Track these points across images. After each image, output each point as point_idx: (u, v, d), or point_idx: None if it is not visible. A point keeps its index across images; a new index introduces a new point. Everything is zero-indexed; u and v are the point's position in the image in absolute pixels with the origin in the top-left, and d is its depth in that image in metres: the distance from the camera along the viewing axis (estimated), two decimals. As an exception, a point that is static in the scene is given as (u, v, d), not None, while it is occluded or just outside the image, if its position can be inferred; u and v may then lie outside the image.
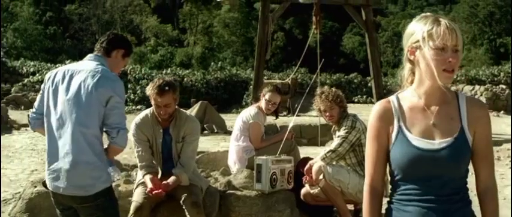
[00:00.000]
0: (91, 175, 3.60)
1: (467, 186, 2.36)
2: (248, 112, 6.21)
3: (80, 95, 3.59)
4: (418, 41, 2.28)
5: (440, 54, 2.21)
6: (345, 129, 5.36)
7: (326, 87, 5.66)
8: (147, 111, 4.89)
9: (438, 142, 2.27)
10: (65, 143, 3.59)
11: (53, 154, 3.66)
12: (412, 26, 2.34)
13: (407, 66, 2.40)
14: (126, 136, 3.68)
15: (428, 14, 2.33)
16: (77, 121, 3.56)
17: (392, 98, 2.40)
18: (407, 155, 2.28)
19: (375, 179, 2.41)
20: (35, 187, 5.29)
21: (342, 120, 5.47)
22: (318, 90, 5.60)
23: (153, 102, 4.70)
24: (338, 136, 5.40)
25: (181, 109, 4.98)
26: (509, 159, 9.79)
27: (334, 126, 5.58)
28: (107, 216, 3.75)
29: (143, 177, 4.78)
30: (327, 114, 5.50)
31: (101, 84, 3.59)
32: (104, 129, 3.65)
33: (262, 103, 6.16)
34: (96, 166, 3.60)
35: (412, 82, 2.39)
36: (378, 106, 2.42)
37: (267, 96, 6.12)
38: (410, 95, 2.37)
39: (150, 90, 4.65)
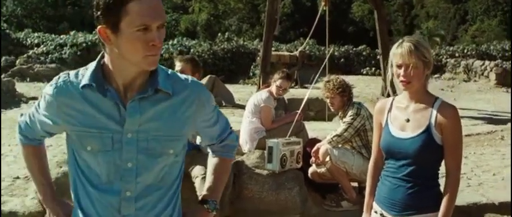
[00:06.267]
0: None
1: (436, 177, 3.00)
2: (260, 96, 6.61)
3: None
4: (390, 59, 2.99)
5: (396, 70, 2.93)
6: (350, 116, 5.73)
7: (333, 75, 6.01)
8: None
9: (408, 134, 2.95)
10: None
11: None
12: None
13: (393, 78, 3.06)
14: None
15: (405, 37, 3.01)
16: None
17: (390, 98, 3.16)
18: (387, 141, 3.04)
19: (376, 157, 3.20)
20: (61, 167, 5.46)
21: (347, 108, 5.84)
22: (325, 78, 5.99)
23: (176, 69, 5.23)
24: (344, 122, 5.77)
25: None
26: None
27: (340, 112, 5.95)
28: None
29: None
30: (328, 101, 5.91)
31: None
32: None
33: (273, 88, 6.56)
34: None
35: None
36: (378, 104, 3.21)
37: (278, 83, 6.51)
38: (401, 97, 3.08)
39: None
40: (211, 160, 2.48)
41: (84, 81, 2.06)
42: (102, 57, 2.09)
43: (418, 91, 2.96)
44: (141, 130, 2.07)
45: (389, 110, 3.08)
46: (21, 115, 2.43)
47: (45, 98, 2.15)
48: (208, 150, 2.49)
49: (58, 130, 2.23)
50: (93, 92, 2.06)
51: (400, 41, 2.95)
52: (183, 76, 2.20)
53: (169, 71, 2.18)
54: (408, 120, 2.97)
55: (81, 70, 2.13)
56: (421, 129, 2.92)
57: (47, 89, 2.14)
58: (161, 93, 2.09)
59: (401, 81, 2.90)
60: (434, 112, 2.92)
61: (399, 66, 2.89)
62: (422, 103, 2.97)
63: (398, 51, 2.89)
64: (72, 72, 2.14)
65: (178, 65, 5.43)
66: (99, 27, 1.98)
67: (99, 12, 1.96)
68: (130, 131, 2.06)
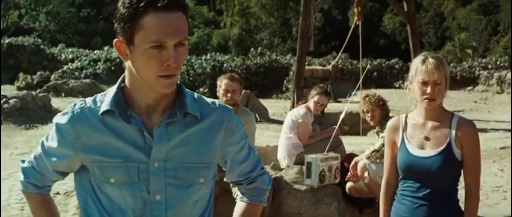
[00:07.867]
0: None
1: (456, 193, 2.99)
2: (297, 111, 6.70)
3: None
4: (412, 76, 2.95)
5: (421, 87, 2.89)
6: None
7: (370, 91, 6.12)
8: None
9: (428, 152, 2.92)
10: None
11: None
12: (412, 63, 3.02)
13: (410, 93, 3.03)
14: None
15: (425, 53, 2.99)
16: None
17: (402, 116, 3.10)
18: (405, 160, 2.97)
19: (389, 177, 3.14)
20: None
21: (384, 122, 5.92)
22: (363, 94, 6.10)
23: (223, 88, 5.52)
24: (381, 137, 5.85)
25: (241, 105, 5.73)
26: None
27: (377, 128, 6.05)
28: None
29: None
30: (369, 114, 6.02)
31: None
32: None
33: (311, 104, 6.63)
34: None
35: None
36: (390, 122, 3.17)
37: (315, 98, 6.58)
38: (415, 114, 3.03)
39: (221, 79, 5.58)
40: (239, 205, 2.19)
41: (105, 106, 1.86)
42: (123, 81, 1.91)
43: (435, 108, 2.94)
44: (168, 158, 1.87)
45: (404, 128, 3.04)
46: (23, 161, 2.09)
47: (58, 129, 1.90)
48: (237, 192, 2.23)
49: (74, 165, 1.94)
50: (114, 118, 1.85)
51: (423, 57, 2.91)
52: (209, 100, 2.02)
53: (196, 94, 2.00)
54: (427, 138, 2.95)
55: (99, 96, 1.93)
56: (442, 147, 2.91)
57: (61, 118, 1.90)
58: (189, 117, 1.90)
59: (426, 99, 2.87)
60: (454, 128, 2.91)
61: (425, 83, 2.86)
62: (439, 120, 2.96)
63: (426, 67, 2.85)
64: (88, 99, 1.93)
65: (225, 83, 5.55)
66: (115, 39, 1.84)
67: (116, 24, 1.82)
68: (157, 160, 1.85)
